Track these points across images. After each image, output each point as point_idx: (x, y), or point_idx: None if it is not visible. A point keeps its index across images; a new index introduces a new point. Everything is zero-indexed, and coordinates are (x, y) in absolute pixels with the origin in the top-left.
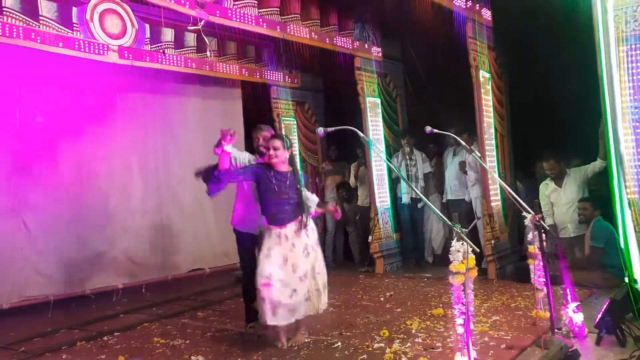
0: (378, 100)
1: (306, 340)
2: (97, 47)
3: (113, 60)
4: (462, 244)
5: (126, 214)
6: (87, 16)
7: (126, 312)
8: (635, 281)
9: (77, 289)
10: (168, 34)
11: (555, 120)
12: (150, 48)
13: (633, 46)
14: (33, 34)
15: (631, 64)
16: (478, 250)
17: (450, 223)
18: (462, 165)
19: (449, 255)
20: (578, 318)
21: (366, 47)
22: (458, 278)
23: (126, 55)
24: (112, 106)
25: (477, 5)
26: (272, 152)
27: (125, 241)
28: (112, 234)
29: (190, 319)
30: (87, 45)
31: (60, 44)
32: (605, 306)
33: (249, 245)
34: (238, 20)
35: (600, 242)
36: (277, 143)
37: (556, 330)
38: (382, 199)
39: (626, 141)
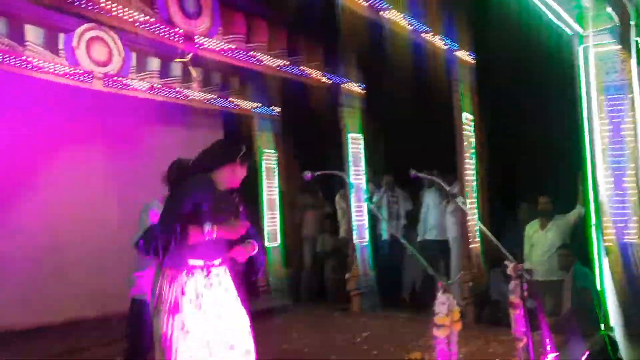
0: (360, 137)
1: None
2: (82, 74)
3: (98, 87)
4: (447, 296)
5: (101, 242)
6: (74, 43)
7: (97, 344)
8: (612, 329)
9: (45, 319)
10: (154, 63)
11: (536, 164)
12: (136, 77)
13: (613, 96)
14: (18, 59)
15: (611, 113)
16: (463, 304)
17: (433, 272)
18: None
19: (434, 308)
20: None
21: (350, 83)
22: (443, 331)
23: (111, 83)
24: (93, 132)
25: (462, 47)
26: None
27: (99, 270)
28: (86, 263)
29: None
30: (72, 72)
31: (45, 70)
32: (583, 358)
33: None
34: (226, 54)
35: (587, 283)
36: None
37: None
38: (361, 235)
39: (606, 189)
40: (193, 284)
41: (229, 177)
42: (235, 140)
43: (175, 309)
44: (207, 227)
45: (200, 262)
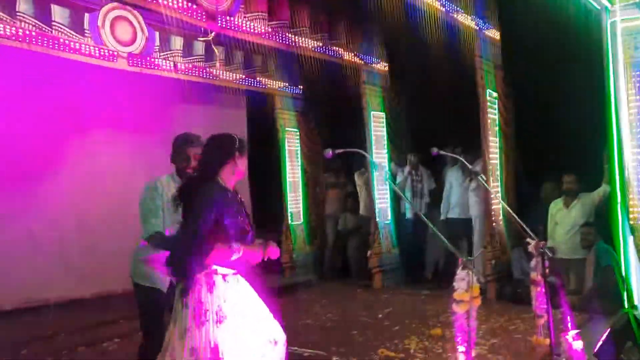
0: (382, 115)
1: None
2: (107, 53)
3: (122, 67)
4: (467, 272)
5: (128, 221)
6: (99, 22)
7: (126, 318)
8: (635, 307)
9: (76, 293)
10: (177, 42)
11: (561, 142)
12: (159, 56)
13: None
14: (45, 39)
15: (639, 89)
16: (483, 281)
17: (453, 249)
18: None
19: (454, 284)
20: (578, 345)
21: (372, 61)
22: (462, 306)
23: (135, 62)
24: (118, 112)
25: (486, 23)
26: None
27: (126, 249)
28: (113, 241)
29: None
30: (97, 51)
31: (72, 50)
32: (605, 335)
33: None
34: (248, 32)
35: (610, 261)
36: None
37: (555, 356)
38: (383, 214)
39: (632, 167)
40: (231, 290)
41: (234, 171)
42: (224, 135)
43: (221, 317)
44: (235, 245)
45: (231, 271)
